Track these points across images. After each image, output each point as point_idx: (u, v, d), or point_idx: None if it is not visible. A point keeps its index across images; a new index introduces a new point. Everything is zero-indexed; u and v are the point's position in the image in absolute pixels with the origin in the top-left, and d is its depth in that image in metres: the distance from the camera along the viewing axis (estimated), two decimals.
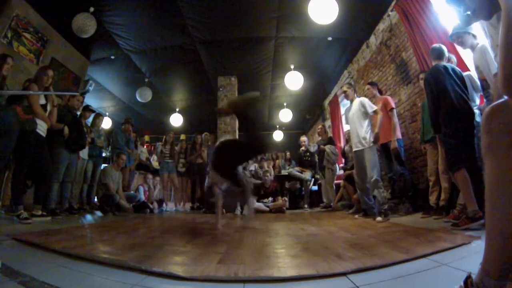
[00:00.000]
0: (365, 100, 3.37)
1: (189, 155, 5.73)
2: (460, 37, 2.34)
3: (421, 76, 3.22)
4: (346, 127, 6.38)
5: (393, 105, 3.59)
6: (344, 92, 3.57)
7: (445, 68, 2.33)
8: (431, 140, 3.01)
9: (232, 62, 5.73)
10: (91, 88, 2.23)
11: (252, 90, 7.21)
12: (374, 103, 3.58)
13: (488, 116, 0.79)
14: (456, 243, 1.52)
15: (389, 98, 3.71)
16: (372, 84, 3.94)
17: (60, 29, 4.42)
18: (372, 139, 3.18)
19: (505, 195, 0.74)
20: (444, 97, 2.25)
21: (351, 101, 3.52)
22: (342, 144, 6.34)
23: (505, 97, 0.77)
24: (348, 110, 3.59)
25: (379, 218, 2.92)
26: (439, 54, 2.47)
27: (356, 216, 3.44)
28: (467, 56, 2.68)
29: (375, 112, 3.23)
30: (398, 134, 3.58)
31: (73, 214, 3.60)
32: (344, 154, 4.98)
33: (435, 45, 2.58)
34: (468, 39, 2.31)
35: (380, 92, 4.02)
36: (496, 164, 0.76)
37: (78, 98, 3.64)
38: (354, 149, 3.41)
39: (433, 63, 2.48)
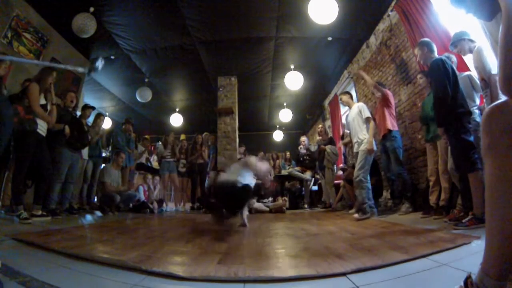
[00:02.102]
0: (362, 106, 3.56)
1: (190, 155, 5.73)
2: (456, 46, 2.40)
3: (419, 76, 3.22)
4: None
5: (392, 102, 3.63)
6: (342, 102, 3.86)
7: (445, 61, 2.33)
8: (432, 140, 3.01)
9: (232, 62, 5.73)
10: (100, 65, 1.95)
11: (252, 90, 7.22)
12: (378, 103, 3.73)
13: (488, 116, 0.79)
14: (456, 243, 1.51)
15: (389, 93, 3.69)
16: (381, 86, 3.77)
17: (60, 29, 4.42)
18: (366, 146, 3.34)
19: (505, 195, 0.74)
20: (456, 91, 2.22)
21: (350, 107, 3.73)
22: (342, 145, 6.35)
23: (504, 97, 0.77)
24: (349, 116, 3.77)
25: (356, 215, 3.14)
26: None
27: (356, 215, 3.41)
28: (467, 56, 2.69)
29: (367, 119, 3.43)
30: (394, 125, 3.50)
31: (73, 214, 3.60)
32: (344, 154, 4.99)
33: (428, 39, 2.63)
34: (465, 45, 2.36)
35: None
36: (496, 164, 0.76)
37: (70, 95, 3.64)
38: (354, 151, 3.61)
39: (434, 55, 2.48)
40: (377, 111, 3.72)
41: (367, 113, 3.46)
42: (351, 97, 3.85)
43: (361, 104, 3.61)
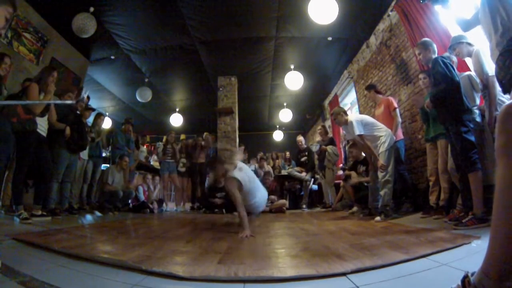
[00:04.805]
0: (353, 122, 3.20)
1: (191, 155, 5.74)
2: (455, 49, 2.42)
3: (420, 76, 3.22)
4: None
5: (396, 105, 3.63)
6: (338, 122, 3.45)
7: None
8: (432, 140, 3.01)
9: (232, 62, 5.73)
10: (85, 96, 2.28)
11: (252, 90, 7.22)
12: (376, 106, 3.76)
13: (503, 116, 0.78)
14: (456, 243, 1.51)
15: (391, 98, 3.76)
16: (368, 88, 3.92)
17: (60, 29, 4.42)
18: (385, 145, 3.14)
19: None
20: (455, 90, 2.22)
21: (346, 124, 3.35)
22: (342, 144, 6.34)
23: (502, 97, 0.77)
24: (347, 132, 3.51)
25: (377, 218, 2.92)
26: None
27: (378, 218, 3.37)
28: (466, 60, 2.70)
29: (359, 136, 3.17)
30: (400, 135, 3.59)
31: (73, 214, 3.60)
32: (345, 153, 4.98)
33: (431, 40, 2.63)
34: (463, 48, 2.38)
35: (379, 92, 4.03)
36: (511, 164, 0.75)
37: (83, 101, 3.64)
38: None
39: (436, 56, 2.49)
40: (378, 118, 3.64)
41: (355, 132, 3.14)
42: (343, 113, 3.38)
43: (351, 121, 3.22)
